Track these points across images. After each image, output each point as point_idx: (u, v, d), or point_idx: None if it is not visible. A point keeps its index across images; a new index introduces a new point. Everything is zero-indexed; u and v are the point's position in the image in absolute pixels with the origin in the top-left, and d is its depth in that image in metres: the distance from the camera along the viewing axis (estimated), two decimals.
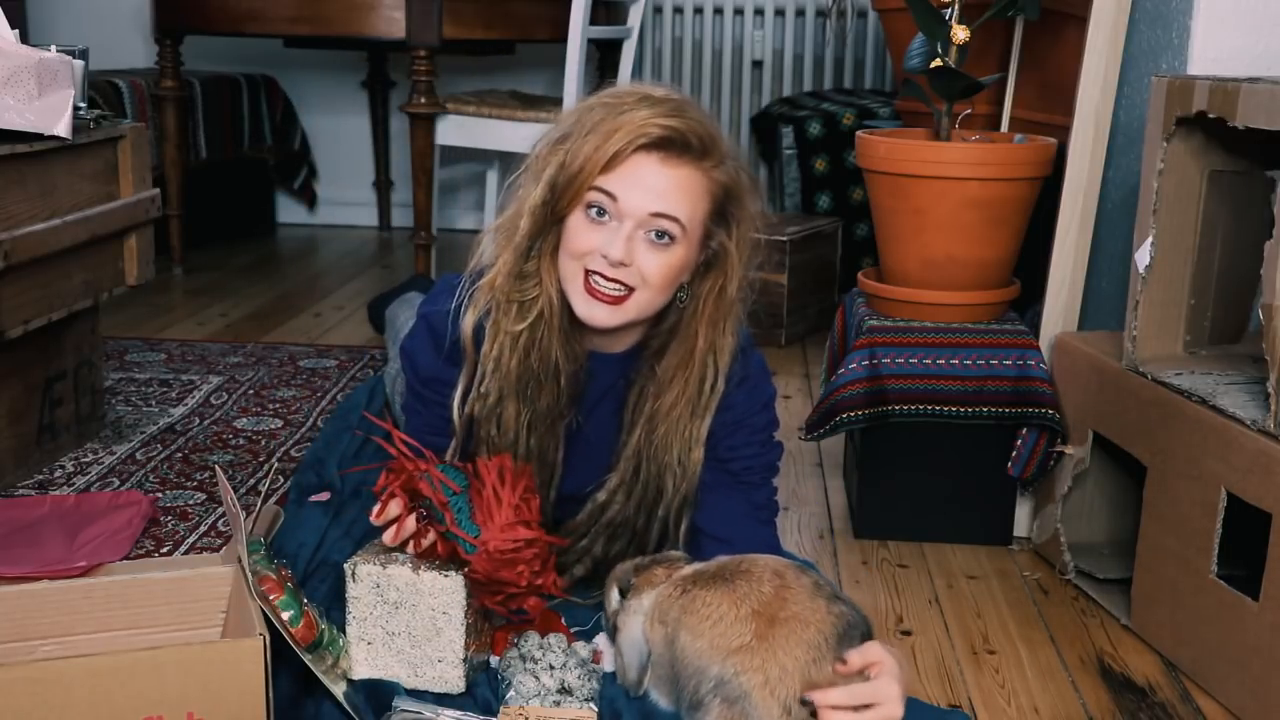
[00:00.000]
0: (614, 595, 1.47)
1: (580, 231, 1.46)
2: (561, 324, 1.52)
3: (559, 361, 1.53)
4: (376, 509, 1.42)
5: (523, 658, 1.46)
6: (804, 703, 1.27)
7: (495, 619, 1.54)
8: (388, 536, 1.42)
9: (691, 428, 1.55)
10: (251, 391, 2.70)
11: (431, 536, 1.41)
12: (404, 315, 2.38)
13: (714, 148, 1.47)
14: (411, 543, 1.42)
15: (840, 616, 1.31)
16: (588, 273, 1.46)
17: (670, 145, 1.44)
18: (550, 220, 1.48)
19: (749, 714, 1.26)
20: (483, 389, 1.54)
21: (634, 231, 1.44)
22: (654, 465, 1.56)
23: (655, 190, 1.44)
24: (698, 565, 1.43)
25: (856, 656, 1.30)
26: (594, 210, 1.45)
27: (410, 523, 1.41)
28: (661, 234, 1.45)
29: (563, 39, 3.22)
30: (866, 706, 1.29)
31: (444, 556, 1.41)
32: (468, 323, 1.53)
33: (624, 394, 1.58)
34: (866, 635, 1.34)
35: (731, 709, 1.27)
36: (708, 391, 1.54)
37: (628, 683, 1.42)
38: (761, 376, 1.61)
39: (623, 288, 1.46)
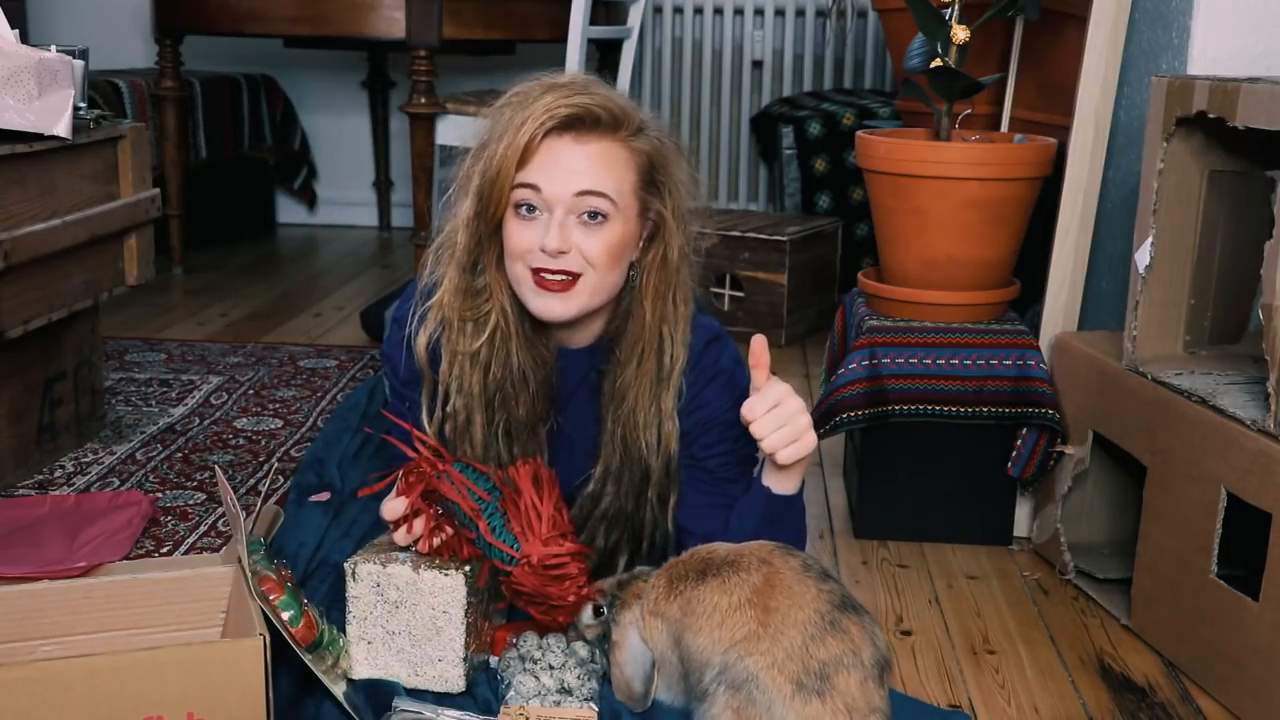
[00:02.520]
0: (586, 613, 1.48)
1: (516, 232, 1.47)
2: (522, 331, 1.53)
3: (526, 369, 1.53)
4: (389, 506, 1.42)
5: (522, 658, 1.46)
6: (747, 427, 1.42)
7: (495, 619, 1.54)
8: (399, 535, 1.42)
9: (658, 402, 1.54)
10: (251, 391, 2.70)
11: (442, 536, 1.41)
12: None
13: (626, 119, 1.47)
14: (420, 541, 1.42)
15: (832, 593, 1.31)
16: (534, 270, 1.47)
17: (580, 123, 1.44)
18: (486, 230, 1.49)
19: (755, 698, 1.25)
20: (449, 409, 1.54)
21: (565, 217, 1.45)
22: (634, 449, 1.55)
23: (575, 170, 1.44)
24: (674, 560, 1.43)
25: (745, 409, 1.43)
26: (523, 209, 1.46)
27: (420, 523, 1.41)
28: (594, 214, 1.45)
29: (563, 39, 3.22)
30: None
31: (463, 558, 1.41)
32: (420, 344, 1.53)
33: (597, 385, 1.58)
34: (850, 605, 1.33)
35: (738, 694, 1.26)
36: (667, 363, 1.54)
37: (633, 696, 1.40)
38: (735, 370, 1.60)
39: (569, 275, 1.46)
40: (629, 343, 1.54)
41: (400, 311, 1.59)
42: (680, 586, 1.36)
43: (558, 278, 1.46)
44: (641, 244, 1.52)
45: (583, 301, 1.49)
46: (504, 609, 1.56)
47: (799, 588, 1.30)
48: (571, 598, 1.43)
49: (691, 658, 1.32)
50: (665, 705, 1.40)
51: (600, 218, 1.45)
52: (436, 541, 1.41)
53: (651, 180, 1.50)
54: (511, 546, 1.40)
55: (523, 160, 1.44)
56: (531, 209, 1.46)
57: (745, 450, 1.61)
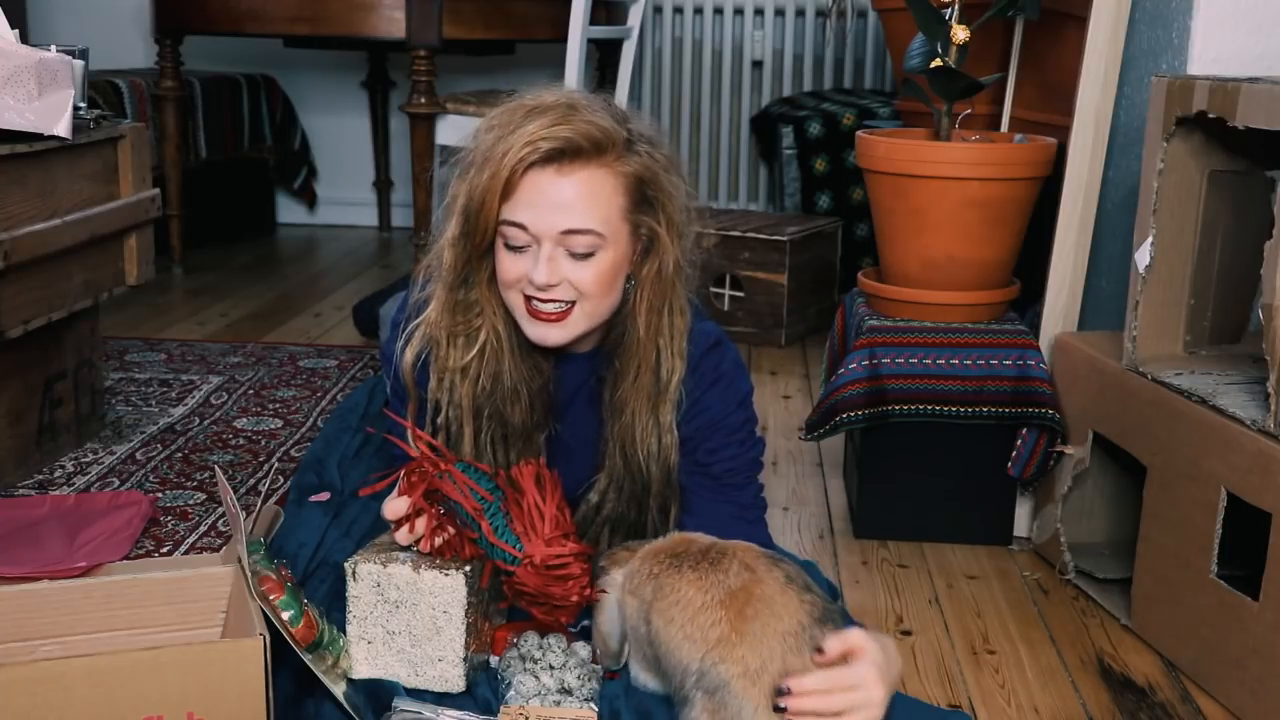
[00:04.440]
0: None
1: (505, 263, 1.46)
2: (516, 344, 1.52)
3: (518, 383, 1.53)
4: (390, 505, 1.42)
5: (523, 658, 1.46)
6: (780, 692, 1.23)
7: (496, 618, 1.54)
8: (401, 535, 1.42)
9: (656, 415, 1.54)
10: (251, 391, 2.70)
11: (444, 536, 1.41)
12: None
13: (610, 142, 1.43)
14: (421, 540, 1.42)
15: (814, 605, 1.30)
16: (527, 298, 1.46)
17: (561, 155, 1.41)
18: (475, 252, 1.48)
19: (727, 703, 1.26)
20: (439, 421, 1.54)
21: (553, 250, 1.43)
22: (635, 458, 1.55)
23: (560, 205, 1.42)
24: (660, 541, 1.43)
25: (836, 642, 1.25)
26: (511, 242, 1.45)
27: (421, 523, 1.41)
28: (584, 252, 1.44)
29: (563, 39, 3.22)
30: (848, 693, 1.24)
31: (464, 558, 1.41)
32: (406, 360, 1.53)
33: (597, 391, 1.57)
34: (830, 618, 1.33)
35: (712, 699, 1.27)
36: (664, 376, 1.53)
37: (608, 654, 1.43)
38: (735, 374, 1.59)
39: (563, 304, 1.46)
40: (627, 354, 1.53)
41: (398, 316, 1.59)
42: (655, 569, 1.38)
43: (551, 307, 1.46)
44: (636, 257, 1.51)
45: (580, 327, 1.48)
46: (505, 608, 1.56)
47: (781, 598, 1.30)
48: (575, 598, 1.43)
49: (667, 651, 1.33)
50: (649, 690, 1.41)
51: (589, 252, 1.44)
52: (438, 541, 1.41)
53: (643, 197, 1.47)
54: (514, 546, 1.40)
55: (505, 194, 1.42)
56: (521, 244, 1.45)
57: (751, 455, 1.61)
